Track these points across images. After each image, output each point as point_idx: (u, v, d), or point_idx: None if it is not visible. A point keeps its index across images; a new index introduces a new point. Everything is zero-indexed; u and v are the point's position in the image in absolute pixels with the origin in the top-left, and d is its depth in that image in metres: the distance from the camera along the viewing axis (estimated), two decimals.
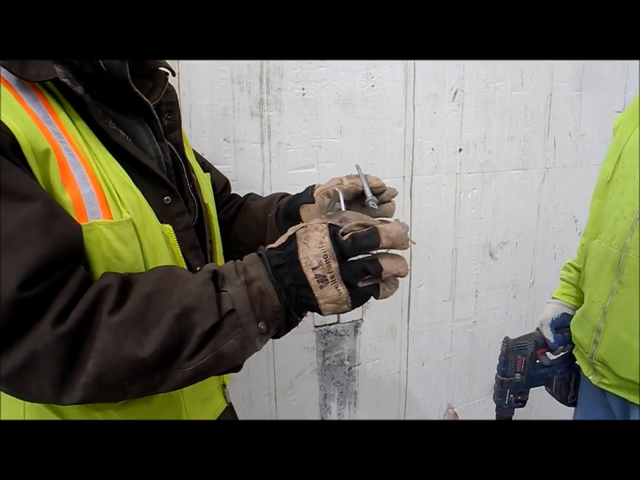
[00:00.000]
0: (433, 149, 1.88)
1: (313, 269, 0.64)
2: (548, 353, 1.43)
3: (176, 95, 0.91)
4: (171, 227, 0.80)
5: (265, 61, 1.57)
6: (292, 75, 1.61)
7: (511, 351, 1.40)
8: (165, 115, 0.87)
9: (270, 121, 1.61)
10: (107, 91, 0.77)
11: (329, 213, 0.75)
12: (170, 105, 0.88)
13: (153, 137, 0.84)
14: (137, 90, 0.79)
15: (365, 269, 0.65)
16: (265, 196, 1.21)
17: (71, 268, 0.63)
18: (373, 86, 1.74)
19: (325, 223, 0.67)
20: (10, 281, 0.56)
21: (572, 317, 1.41)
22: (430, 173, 1.89)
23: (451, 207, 1.97)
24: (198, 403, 0.90)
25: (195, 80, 1.49)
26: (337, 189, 0.79)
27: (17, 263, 0.57)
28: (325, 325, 1.82)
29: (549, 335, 1.40)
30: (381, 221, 0.69)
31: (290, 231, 0.69)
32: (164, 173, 0.83)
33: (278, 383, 1.78)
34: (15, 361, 0.57)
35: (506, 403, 1.41)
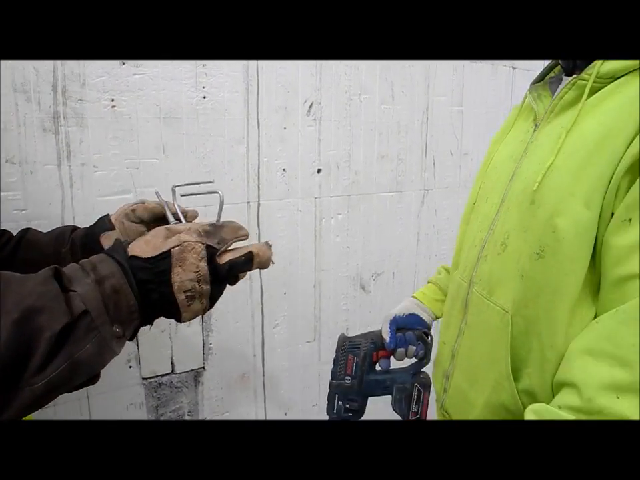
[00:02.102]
0: (284, 170, 1.64)
1: (185, 291, 0.63)
2: (392, 359, 1.18)
3: None
4: None
5: (59, 66, 1.29)
6: (96, 84, 1.34)
7: (341, 349, 1.14)
8: None
9: (69, 139, 1.33)
10: None
11: (206, 226, 0.69)
12: None
13: None
14: None
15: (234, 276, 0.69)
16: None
17: None
18: (204, 97, 1.48)
19: (202, 244, 0.65)
20: None
21: (421, 319, 1.18)
22: (282, 197, 1.65)
23: (310, 235, 1.73)
24: None
25: None
26: (219, 192, 0.73)
27: None
28: (156, 376, 1.55)
29: (385, 332, 1.14)
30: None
31: (163, 246, 0.63)
32: None
33: None
34: None
35: (334, 410, 1.13)
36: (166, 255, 0.63)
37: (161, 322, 1.51)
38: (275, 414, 1.79)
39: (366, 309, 1.91)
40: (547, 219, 0.81)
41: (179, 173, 1.46)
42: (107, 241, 0.91)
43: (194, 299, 0.64)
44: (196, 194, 0.82)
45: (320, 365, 1.84)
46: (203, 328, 1.59)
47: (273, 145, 1.60)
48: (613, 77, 0.82)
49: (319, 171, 1.70)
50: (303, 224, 1.70)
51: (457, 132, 1.99)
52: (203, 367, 1.62)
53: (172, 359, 1.56)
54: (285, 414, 1.81)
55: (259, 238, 1.63)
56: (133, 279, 0.61)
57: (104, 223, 0.94)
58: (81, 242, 0.93)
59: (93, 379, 0.62)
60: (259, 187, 1.60)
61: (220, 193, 0.73)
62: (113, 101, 1.37)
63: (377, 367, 1.16)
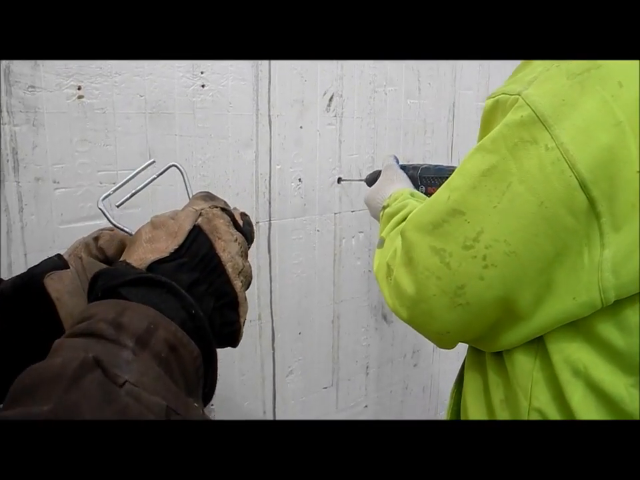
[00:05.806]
0: (300, 180, 1.29)
1: (239, 273, 0.47)
2: None
3: None
4: None
5: None
6: (56, 63, 0.95)
7: None
8: None
9: (16, 142, 0.94)
10: None
11: (200, 195, 0.52)
12: None
13: None
14: None
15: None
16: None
17: None
18: (203, 86, 1.12)
19: (216, 207, 0.50)
20: None
21: None
22: (297, 214, 1.30)
23: (329, 259, 1.40)
24: None
25: None
26: (177, 164, 0.61)
27: None
28: None
29: None
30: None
31: (182, 225, 0.47)
32: None
33: None
34: None
35: None
36: (195, 233, 0.47)
37: None
38: None
39: (387, 342, 1.59)
40: None
41: (170, 187, 1.09)
42: (55, 284, 0.58)
43: (244, 285, 0.49)
44: (140, 189, 0.60)
45: (337, 413, 1.52)
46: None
47: (287, 149, 1.25)
48: None
49: (339, 180, 1.36)
50: (320, 246, 1.37)
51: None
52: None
53: None
54: None
55: (270, 267, 1.27)
56: (181, 289, 0.42)
57: (53, 262, 0.61)
58: (13, 288, 0.58)
59: None
60: (269, 202, 1.25)
61: (177, 164, 0.61)
62: (79, 89, 0.98)
63: None
